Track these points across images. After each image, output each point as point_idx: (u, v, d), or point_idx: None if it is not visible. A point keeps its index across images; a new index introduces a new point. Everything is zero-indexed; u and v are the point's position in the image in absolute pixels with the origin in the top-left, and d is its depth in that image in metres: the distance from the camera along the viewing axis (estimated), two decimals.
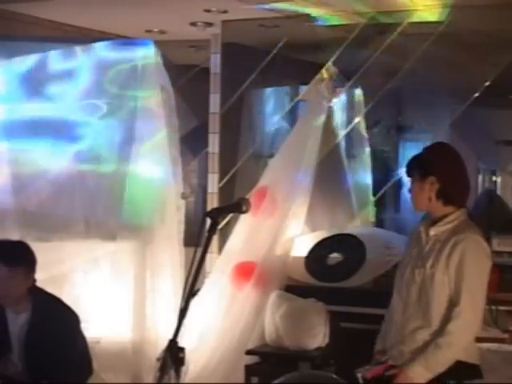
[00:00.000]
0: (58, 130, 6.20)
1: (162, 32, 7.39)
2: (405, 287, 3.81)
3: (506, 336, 5.59)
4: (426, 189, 3.76)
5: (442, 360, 3.61)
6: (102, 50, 6.29)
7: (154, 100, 6.27)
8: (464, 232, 3.70)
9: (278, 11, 6.69)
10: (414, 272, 3.74)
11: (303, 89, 7.32)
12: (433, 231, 3.77)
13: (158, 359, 2.87)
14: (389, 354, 3.83)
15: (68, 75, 6.21)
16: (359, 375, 3.88)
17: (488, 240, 5.57)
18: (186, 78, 7.66)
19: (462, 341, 3.63)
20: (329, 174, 6.90)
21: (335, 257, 6.38)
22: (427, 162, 3.80)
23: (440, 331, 3.66)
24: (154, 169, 6.27)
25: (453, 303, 3.64)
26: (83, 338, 4.59)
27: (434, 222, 3.80)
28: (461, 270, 3.63)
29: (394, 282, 3.97)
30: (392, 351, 3.82)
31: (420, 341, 3.69)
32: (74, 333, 4.51)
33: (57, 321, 4.42)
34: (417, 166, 3.82)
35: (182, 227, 6.33)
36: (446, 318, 3.65)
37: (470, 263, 3.64)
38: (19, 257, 4.45)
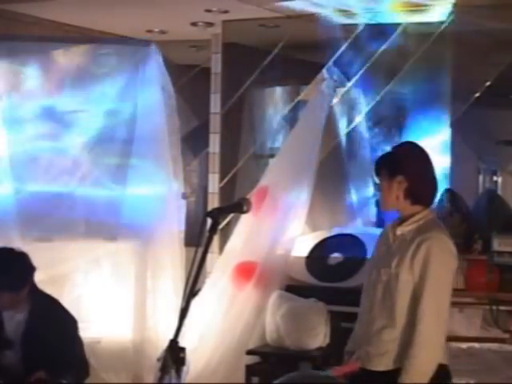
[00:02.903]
0: (59, 130, 6.21)
1: (162, 32, 7.40)
2: (371, 287, 3.79)
3: (506, 336, 5.59)
4: (393, 188, 3.73)
5: (423, 370, 3.55)
6: (103, 50, 6.29)
7: (154, 100, 6.27)
8: (430, 231, 3.66)
9: (279, 11, 6.70)
10: (380, 271, 3.72)
11: (303, 89, 7.32)
12: (399, 230, 3.75)
13: (158, 359, 2.87)
14: (357, 355, 3.82)
15: (68, 75, 6.21)
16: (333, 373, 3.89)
17: (488, 240, 5.62)
18: (186, 78, 7.66)
19: (432, 342, 3.58)
20: (329, 174, 6.91)
21: (335, 257, 6.38)
22: (395, 160, 3.78)
23: (404, 330, 3.63)
24: (154, 169, 6.27)
25: (417, 302, 3.61)
26: (80, 341, 4.57)
27: (402, 221, 3.80)
28: (425, 269, 3.59)
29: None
30: (359, 352, 3.81)
31: (385, 341, 3.66)
32: (70, 335, 4.50)
33: (53, 322, 4.42)
34: (385, 165, 3.79)
35: (182, 227, 6.34)
36: (410, 318, 3.63)
37: (435, 262, 3.60)
38: (25, 280, 4.46)
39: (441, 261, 3.62)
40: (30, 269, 4.50)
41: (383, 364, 3.67)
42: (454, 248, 3.71)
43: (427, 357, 3.56)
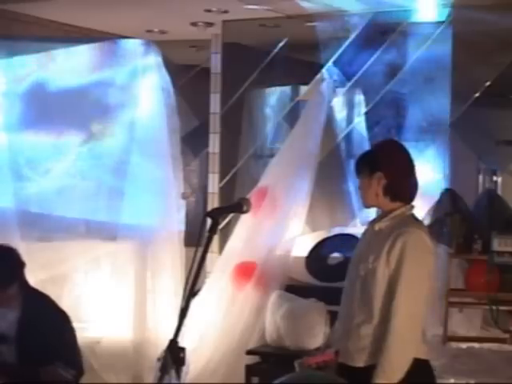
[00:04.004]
0: (59, 130, 6.21)
1: (162, 32, 7.40)
2: (351, 282, 3.82)
3: (506, 336, 5.59)
4: (373, 184, 3.76)
5: (397, 364, 3.57)
6: (103, 50, 6.29)
7: (154, 100, 6.27)
8: (406, 226, 3.69)
9: (278, 11, 6.70)
10: (359, 267, 3.74)
11: (303, 89, 7.32)
12: (377, 226, 3.78)
13: (158, 359, 2.86)
14: (335, 348, 3.83)
15: (69, 75, 6.21)
16: (296, 364, 3.90)
17: (488, 240, 5.61)
18: (186, 78, 7.66)
19: (406, 337, 3.58)
20: (329, 174, 6.91)
21: (335, 257, 6.38)
22: (375, 158, 3.82)
23: (382, 325, 3.62)
24: (154, 169, 6.27)
25: (392, 297, 3.61)
26: (74, 339, 4.55)
27: (382, 217, 3.82)
28: (400, 264, 3.61)
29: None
30: (339, 347, 3.82)
31: (364, 336, 3.66)
32: (63, 333, 4.48)
33: (46, 320, 4.41)
34: (365, 162, 3.83)
35: (182, 227, 6.34)
36: (387, 313, 3.62)
37: (410, 256, 3.61)
38: (13, 276, 4.40)
39: (416, 256, 3.64)
40: (19, 265, 4.43)
41: (362, 360, 3.68)
42: (431, 244, 3.74)
43: (400, 352, 3.57)
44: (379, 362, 3.57)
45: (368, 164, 3.80)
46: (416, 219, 3.80)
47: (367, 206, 3.92)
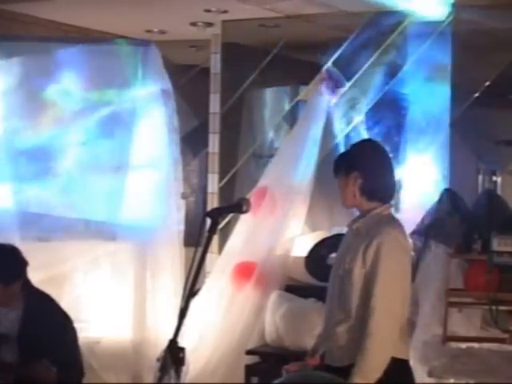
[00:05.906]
0: (58, 130, 6.21)
1: (162, 32, 7.40)
2: (332, 282, 3.83)
3: (506, 336, 5.58)
4: (350, 184, 3.78)
5: (374, 364, 3.57)
6: (102, 50, 6.29)
7: (154, 100, 6.27)
8: (383, 227, 3.70)
9: (279, 11, 6.70)
10: (339, 267, 3.76)
11: (303, 89, 7.32)
12: (355, 226, 3.81)
13: (158, 359, 2.87)
14: (321, 351, 3.85)
15: (69, 75, 6.21)
16: (283, 371, 3.91)
17: (488, 240, 5.61)
18: (186, 78, 7.66)
19: (382, 337, 3.58)
20: (329, 174, 6.89)
21: (335, 257, 6.37)
22: (350, 157, 3.85)
23: (360, 325, 3.63)
24: (154, 169, 6.27)
25: (369, 297, 3.63)
26: (75, 340, 4.56)
27: (360, 218, 3.84)
28: (376, 264, 3.62)
29: None
30: (322, 348, 3.84)
31: (341, 335, 3.68)
32: (64, 333, 4.49)
33: (48, 320, 4.43)
34: (342, 163, 3.85)
35: (182, 227, 6.34)
36: (364, 313, 3.63)
37: (385, 257, 3.62)
38: (17, 273, 4.46)
39: (391, 256, 3.65)
40: (22, 263, 4.50)
41: (341, 360, 3.70)
42: (408, 244, 3.79)
43: (378, 351, 3.58)
44: (356, 362, 3.58)
45: (344, 164, 3.83)
46: (393, 219, 3.81)
47: (346, 206, 3.93)
